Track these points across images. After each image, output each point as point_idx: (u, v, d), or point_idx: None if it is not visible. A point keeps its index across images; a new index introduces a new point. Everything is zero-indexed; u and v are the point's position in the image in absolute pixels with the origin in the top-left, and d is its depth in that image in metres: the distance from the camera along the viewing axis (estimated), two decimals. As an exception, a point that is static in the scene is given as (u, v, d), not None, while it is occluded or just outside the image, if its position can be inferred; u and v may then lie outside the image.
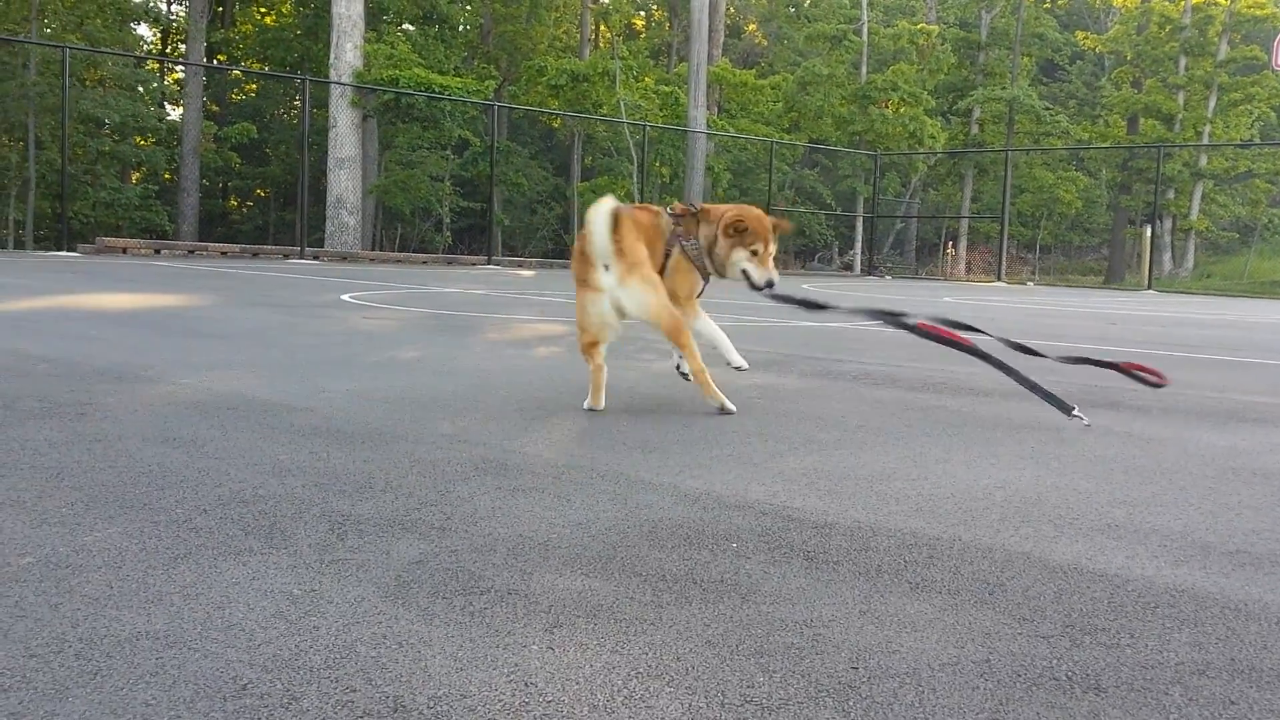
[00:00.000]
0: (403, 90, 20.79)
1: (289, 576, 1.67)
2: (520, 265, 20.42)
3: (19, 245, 22.57)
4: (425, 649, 1.40)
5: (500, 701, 1.26)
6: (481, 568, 1.75)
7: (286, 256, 18.30)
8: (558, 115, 26.82)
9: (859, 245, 28.91)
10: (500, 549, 1.86)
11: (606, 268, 3.19)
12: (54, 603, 1.52)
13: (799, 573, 1.79)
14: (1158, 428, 3.44)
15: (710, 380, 3.38)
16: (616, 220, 3.16)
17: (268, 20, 31.44)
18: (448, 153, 24.33)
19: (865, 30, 29.41)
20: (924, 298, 14.05)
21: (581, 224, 3.38)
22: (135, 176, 27.06)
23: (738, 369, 3.56)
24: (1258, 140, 32.90)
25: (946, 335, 3.56)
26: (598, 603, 1.61)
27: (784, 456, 2.76)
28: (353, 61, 21.07)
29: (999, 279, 24.22)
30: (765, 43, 41.15)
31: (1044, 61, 36.36)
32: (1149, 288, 22.39)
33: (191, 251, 17.68)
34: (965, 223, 31.58)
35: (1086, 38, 35.97)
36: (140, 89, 26.73)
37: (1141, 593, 1.75)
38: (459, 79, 23.11)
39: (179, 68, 29.55)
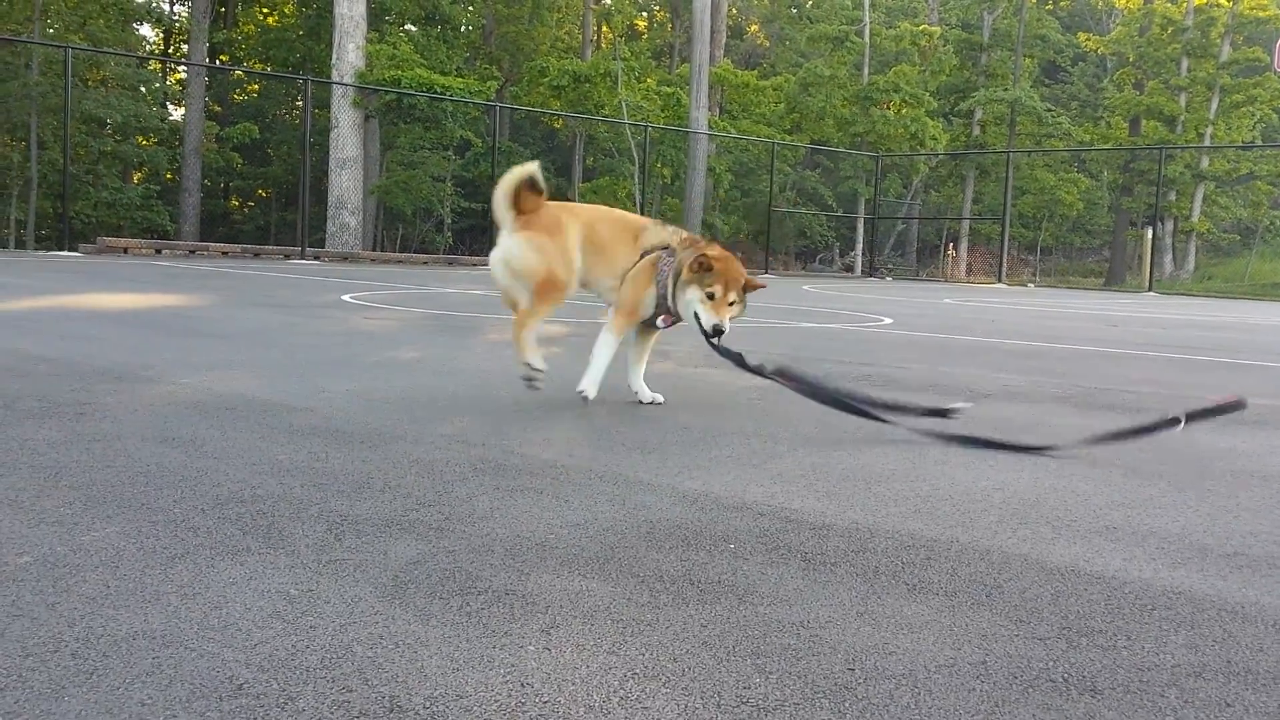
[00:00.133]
0: (405, 91, 20.81)
1: (286, 576, 1.67)
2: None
3: (20, 245, 22.58)
4: (422, 649, 1.40)
5: (496, 702, 1.26)
6: (479, 568, 1.75)
7: (287, 257, 18.31)
8: (559, 116, 26.82)
9: (860, 247, 28.90)
10: (498, 549, 1.86)
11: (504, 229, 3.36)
12: (51, 602, 1.52)
13: (796, 574, 1.79)
14: (1157, 430, 3.44)
15: (526, 340, 3.33)
16: (530, 187, 3.34)
17: (270, 21, 31.47)
18: (449, 153, 24.33)
19: (867, 31, 29.40)
20: (924, 299, 14.05)
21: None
22: (137, 176, 27.09)
23: (579, 392, 3.38)
24: (1259, 142, 32.88)
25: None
26: (595, 603, 1.61)
27: (782, 458, 2.76)
28: (355, 62, 21.08)
29: (1000, 281, 24.22)
30: (767, 44, 41.16)
31: (1046, 63, 36.33)
32: (1150, 290, 22.39)
33: (192, 252, 17.69)
34: (966, 224, 31.56)
35: (1089, 39, 35.95)
36: (142, 89, 26.77)
37: (1138, 595, 1.75)
38: (461, 80, 23.13)
39: (181, 68, 29.60)
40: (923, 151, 28.70)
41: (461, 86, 22.11)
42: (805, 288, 16.67)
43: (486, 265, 3.59)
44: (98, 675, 1.29)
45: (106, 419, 2.88)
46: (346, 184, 21.05)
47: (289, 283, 10.64)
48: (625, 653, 1.42)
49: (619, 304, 3.42)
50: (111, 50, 24.58)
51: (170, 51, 31.70)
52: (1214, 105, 31.35)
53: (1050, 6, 38.88)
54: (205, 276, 11.13)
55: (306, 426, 2.90)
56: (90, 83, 24.92)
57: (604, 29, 35.05)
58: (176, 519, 1.97)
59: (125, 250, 16.54)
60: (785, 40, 37.40)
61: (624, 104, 23.72)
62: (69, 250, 16.24)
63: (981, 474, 2.64)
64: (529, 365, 3.34)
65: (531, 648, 1.42)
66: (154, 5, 28.15)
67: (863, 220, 28.79)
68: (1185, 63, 31.92)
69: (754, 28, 42.54)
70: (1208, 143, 31.01)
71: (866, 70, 29.44)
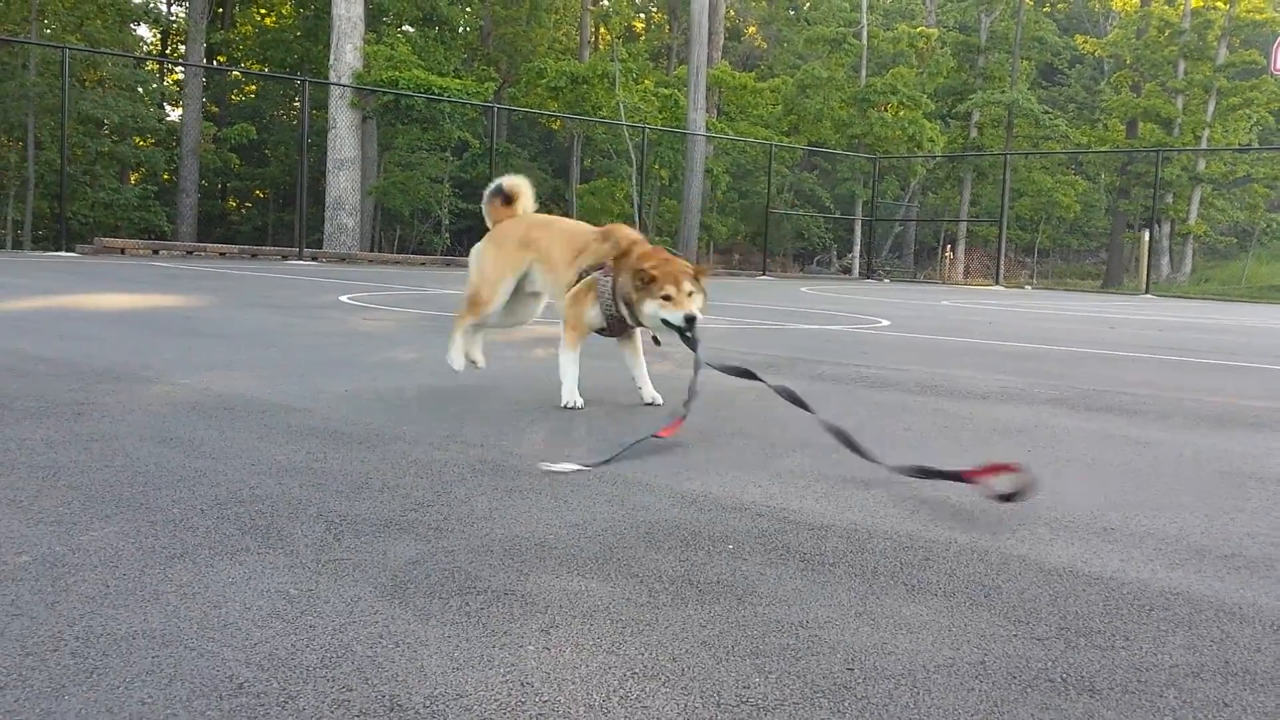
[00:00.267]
0: (402, 92, 20.80)
1: (285, 576, 1.67)
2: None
3: (17, 245, 22.55)
4: (421, 649, 1.41)
5: (496, 701, 1.26)
6: (478, 568, 1.75)
7: (285, 257, 18.29)
8: (557, 117, 26.83)
9: (857, 248, 28.91)
10: (497, 549, 1.86)
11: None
12: (50, 601, 1.52)
13: (795, 574, 1.79)
14: (1154, 431, 3.45)
15: (452, 339, 3.64)
16: (498, 197, 3.74)
17: (267, 21, 31.45)
18: (447, 154, 24.32)
19: (865, 33, 29.43)
20: (921, 301, 14.06)
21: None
22: (134, 177, 27.06)
23: (563, 406, 3.38)
24: (1256, 145, 32.92)
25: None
26: (594, 603, 1.61)
27: (781, 458, 2.76)
28: (352, 63, 21.07)
29: (997, 282, 24.23)
30: (765, 46, 41.18)
31: (1043, 65, 36.37)
32: (1147, 292, 22.41)
33: (190, 252, 17.67)
34: (964, 226, 31.59)
35: (1086, 42, 35.98)
36: (140, 90, 26.73)
37: (1136, 595, 1.75)
38: (458, 81, 23.13)
39: (178, 69, 29.58)
40: (920, 153, 28.72)
41: (459, 87, 22.11)
42: (803, 289, 16.68)
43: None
44: (97, 674, 1.29)
45: (105, 419, 2.88)
46: (344, 185, 21.04)
47: (287, 283, 10.63)
48: (625, 652, 1.42)
49: (565, 321, 3.45)
50: (109, 51, 24.55)
51: (168, 52, 31.68)
52: (1211, 108, 31.38)
53: (1047, 9, 38.93)
54: (203, 277, 11.12)
55: (305, 427, 2.90)
56: (87, 83, 24.90)
57: (601, 30, 35.06)
58: (175, 519, 1.97)
59: (122, 251, 16.53)
60: (783, 42, 37.41)
61: (622, 105, 23.73)
62: (66, 250, 16.22)
63: (979, 475, 2.64)
64: (449, 361, 3.66)
65: (531, 647, 1.43)
66: (151, 6, 28.15)
67: (860, 222, 28.80)
68: (1182, 65, 31.95)
69: (752, 30, 42.58)
70: (1205, 145, 31.04)
71: (864, 72, 29.47)
